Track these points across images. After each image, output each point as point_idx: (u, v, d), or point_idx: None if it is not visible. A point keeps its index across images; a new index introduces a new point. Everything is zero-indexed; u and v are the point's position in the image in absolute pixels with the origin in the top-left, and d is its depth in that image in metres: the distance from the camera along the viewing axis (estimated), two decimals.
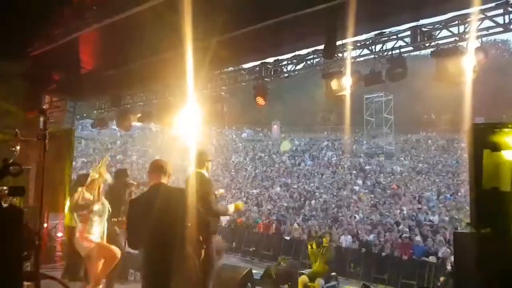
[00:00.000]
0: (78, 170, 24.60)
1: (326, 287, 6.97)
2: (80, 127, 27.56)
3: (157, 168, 3.81)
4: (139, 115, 10.10)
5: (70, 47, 6.66)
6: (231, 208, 5.33)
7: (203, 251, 4.04)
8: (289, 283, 7.23)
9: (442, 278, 8.36)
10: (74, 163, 12.76)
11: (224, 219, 18.77)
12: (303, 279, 7.52)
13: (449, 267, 10.22)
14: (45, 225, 7.27)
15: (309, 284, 7.38)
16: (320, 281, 7.32)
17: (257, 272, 7.82)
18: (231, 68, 9.26)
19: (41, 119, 4.50)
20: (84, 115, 12.59)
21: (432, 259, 11.72)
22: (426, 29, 6.20)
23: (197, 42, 5.62)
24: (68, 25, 5.97)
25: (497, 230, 2.99)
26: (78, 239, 5.32)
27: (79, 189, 5.52)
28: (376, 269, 12.39)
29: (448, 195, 21.46)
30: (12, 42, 6.36)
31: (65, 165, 8.80)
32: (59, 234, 8.38)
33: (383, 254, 12.81)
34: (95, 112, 11.91)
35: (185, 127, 8.93)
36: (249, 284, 7.02)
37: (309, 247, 8.35)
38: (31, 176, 7.59)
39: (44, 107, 8.80)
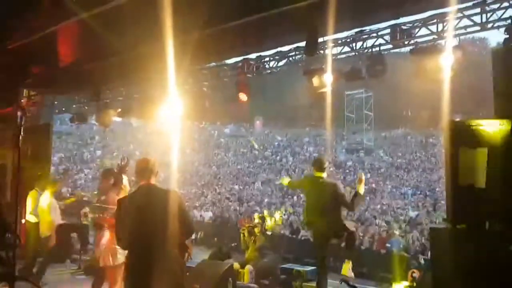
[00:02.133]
0: (57, 165, 24.21)
1: (308, 270, 7.08)
2: (58, 122, 27.07)
3: (146, 168, 3.72)
4: (119, 109, 9.97)
5: (49, 40, 6.52)
6: (360, 190, 5.62)
7: (187, 254, 4.05)
8: (270, 278, 7.28)
9: (411, 272, 8.60)
10: (52, 158, 12.56)
11: (207, 216, 18.76)
12: (234, 266, 7.78)
13: (422, 261, 10.48)
14: (23, 221, 7.15)
15: (240, 270, 7.58)
16: (249, 268, 7.58)
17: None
18: (213, 64, 9.22)
19: (19, 114, 4.42)
20: (63, 109, 12.36)
21: (409, 253, 11.95)
22: (405, 27, 6.28)
23: (178, 36, 5.58)
24: (47, 18, 5.84)
25: (472, 225, 3.06)
26: (106, 249, 4.82)
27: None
28: (355, 263, 12.56)
29: (426, 191, 21.88)
30: None
31: (43, 160, 8.66)
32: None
33: (362, 248, 12.99)
34: (74, 106, 11.71)
35: (166, 122, 8.87)
36: (230, 279, 7.05)
37: (241, 235, 8.76)
38: (8, 171, 7.46)
39: (21, 101, 8.64)
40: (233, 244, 16.18)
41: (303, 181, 6.19)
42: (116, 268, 4.76)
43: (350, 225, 6.01)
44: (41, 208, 6.94)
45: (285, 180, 6.58)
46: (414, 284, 7.03)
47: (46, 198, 7.01)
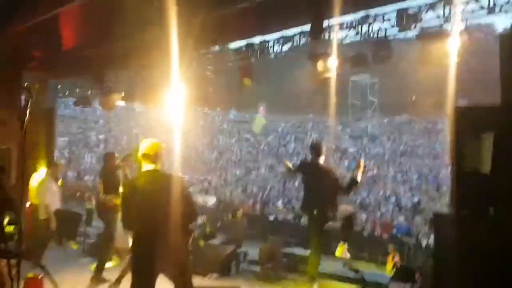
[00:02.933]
0: (61, 149, 24.31)
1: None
2: (62, 106, 27.08)
3: (152, 152, 3.73)
4: (123, 94, 9.94)
5: (52, 24, 6.49)
6: (357, 177, 5.76)
7: (191, 238, 4.09)
8: (273, 262, 7.34)
9: (392, 255, 8.62)
10: (57, 142, 12.60)
11: (210, 201, 18.85)
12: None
13: (424, 244, 10.56)
14: (27, 204, 7.20)
15: None
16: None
17: (240, 251, 7.95)
18: (216, 48, 9.15)
19: (23, 97, 4.41)
20: (67, 93, 12.37)
21: (412, 239, 12.01)
22: (412, 12, 6.19)
23: (182, 20, 5.52)
24: (50, 1, 5.80)
25: (476, 211, 3.06)
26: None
27: None
28: (357, 247, 12.64)
29: (430, 177, 21.86)
30: None
31: (47, 144, 8.69)
32: None
33: (364, 233, 13.06)
34: (77, 90, 11.69)
35: (169, 108, 8.85)
36: (234, 262, 7.12)
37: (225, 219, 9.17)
38: (13, 155, 7.49)
39: (25, 85, 8.62)
40: None
41: (301, 166, 6.32)
42: None
43: (347, 208, 6.07)
44: (32, 188, 7.01)
45: (289, 164, 6.59)
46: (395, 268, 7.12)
47: (38, 178, 7.08)
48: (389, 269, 9.25)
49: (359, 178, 5.72)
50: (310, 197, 5.87)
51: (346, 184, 5.78)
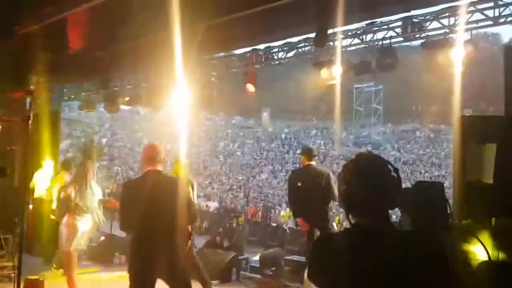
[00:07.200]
0: (65, 152, 24.40)
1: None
2: (67, 109, 27.21)
3: (153, 154, 3.75)
4: (128, 98, 9.99)
5: (59, 27, 6.53)
6: None
7: (190, 241, 4.08)
8: (274, 268, 7.31)
9: None
10: (60, 145, 12.64)
11: (212, 206, 18.84)
12: None
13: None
14: (30, 206, 7.21)
15: None
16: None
17: (242, 257, 7.90)
18: (221, 54, 9.18)
19: (28, 100, 4.45)
20: (72, 96, 12.42)
21: None
22: (417, 20, 6.20)
23: (187, 25, 5.55)
24: (57, 4, 5.84)
25: (478, 221, 3.04)
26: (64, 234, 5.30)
27: None
28: None
29: None
30: None
31: (52, 148, 8.72)
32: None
33: None
34: (82, 94, 11.74)
35: (173, 112, 8.88)
36: (234, 268, 7.09)
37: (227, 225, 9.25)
38: (17, 157, 7.51)
39: (31, 87, 8.67)
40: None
41: (292, 175, 5.94)
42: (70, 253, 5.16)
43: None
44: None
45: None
46: None
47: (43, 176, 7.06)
48: None
49: None
50: (303, 203, 5.55)
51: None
